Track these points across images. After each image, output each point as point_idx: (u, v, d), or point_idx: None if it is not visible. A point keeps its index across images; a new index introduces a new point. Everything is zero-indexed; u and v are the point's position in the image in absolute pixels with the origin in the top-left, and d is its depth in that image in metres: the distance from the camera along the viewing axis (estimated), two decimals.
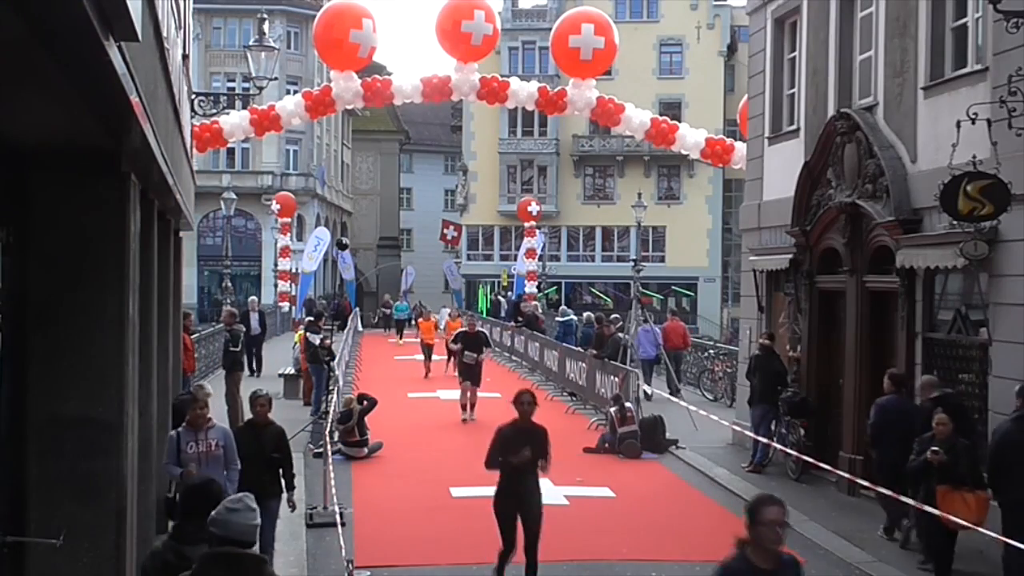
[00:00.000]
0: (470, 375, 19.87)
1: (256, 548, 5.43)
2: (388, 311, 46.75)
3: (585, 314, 28.24)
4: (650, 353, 22.83)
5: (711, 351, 24.81)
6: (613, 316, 24.19)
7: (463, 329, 21.31)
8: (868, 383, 13.58)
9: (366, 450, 15.90)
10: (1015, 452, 8.83)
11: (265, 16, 18.11)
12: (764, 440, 14.76)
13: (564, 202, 54.36)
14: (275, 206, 43.54)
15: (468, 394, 19.72)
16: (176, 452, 8.68)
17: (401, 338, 39.82)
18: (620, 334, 20.66)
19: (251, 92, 18.83)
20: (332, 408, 15.34)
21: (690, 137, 25.00)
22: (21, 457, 5.72)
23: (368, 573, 9.89)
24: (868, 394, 13.58)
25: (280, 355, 26.72)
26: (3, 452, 5.63)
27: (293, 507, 9.84)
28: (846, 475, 12.84)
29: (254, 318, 26.63)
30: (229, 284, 35.29)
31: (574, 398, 22.03)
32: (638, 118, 24.71)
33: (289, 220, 45.27)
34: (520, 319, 31.90)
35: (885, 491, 10.60)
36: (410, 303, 46.88)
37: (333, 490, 11.10)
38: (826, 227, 14.50)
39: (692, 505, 13.60)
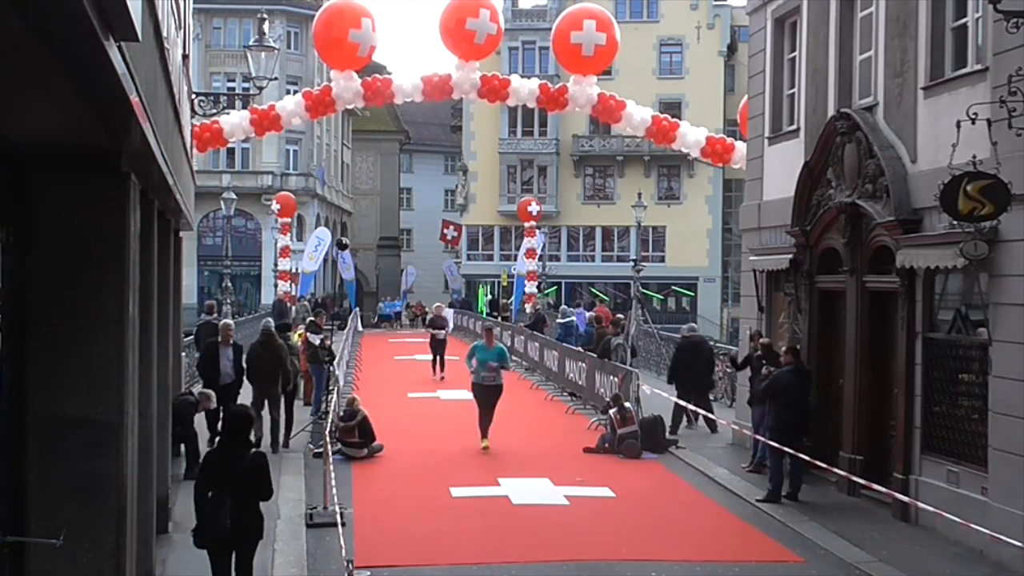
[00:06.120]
0: None
1: None
2: (441, 334, 26.89)
3: (587, 314, 28.17)
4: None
5: None
6: (617, 316, 24.18)
7: None
8: (868, 383, 13.59)
9: (366, 450, 15.90)
10: (783, 391, 13.41)
11: (265, 16, 18.10)
12: (764, 440, 14.74)
13: (564, 202, 54.36)
14: (275, 206, 43.53)
15: None
16: None
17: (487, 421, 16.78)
18: (614, 338, 20.50)
19: (251, 92, 18.83)
20: (332, 408, 15.36)
21: (691, 135, 24.97)
22: (21, 457, 5.71)
23: (368, 573, 9.88)
24: (868, 394, 13.60)
25: None
26: (3, 452, 5.62)
27: None
28: (845, 474, 12.84)
29: (226, 356, 15.70)
30: (229, 284, 35.27)
31: (574, 398, 22.02)
32: (639, 115, 24.69)
33: (289, 220, 45.25)
34: (496, 314, 31.71)
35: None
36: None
37: (333, 490, 11.10)
38: (826, 227, 14.50)
39: (692, 505, 13.59)
